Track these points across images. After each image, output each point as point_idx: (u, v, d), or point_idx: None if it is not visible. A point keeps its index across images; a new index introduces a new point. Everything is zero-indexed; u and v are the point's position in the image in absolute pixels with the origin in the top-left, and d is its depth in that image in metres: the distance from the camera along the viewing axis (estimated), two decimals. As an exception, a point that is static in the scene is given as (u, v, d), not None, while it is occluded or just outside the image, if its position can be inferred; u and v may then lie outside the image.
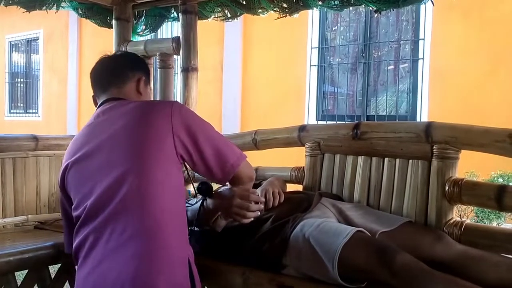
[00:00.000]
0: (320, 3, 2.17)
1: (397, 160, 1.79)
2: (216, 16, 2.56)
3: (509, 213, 3.46)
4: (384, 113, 5.41)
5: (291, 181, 2.11)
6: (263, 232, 1.60)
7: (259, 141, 2.23)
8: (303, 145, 2.07)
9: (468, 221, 1.72)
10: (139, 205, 1.28)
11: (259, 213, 1.50)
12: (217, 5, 2.47)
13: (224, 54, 6.53)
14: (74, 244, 1.36)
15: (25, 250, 1.75)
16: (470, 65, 4.79)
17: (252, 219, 1.50)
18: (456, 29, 4.88)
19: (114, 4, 2.59)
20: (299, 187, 2.07)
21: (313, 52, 5.86)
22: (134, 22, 2.70)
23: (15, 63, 10.03)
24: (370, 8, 2.12)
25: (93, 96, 1.57)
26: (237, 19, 2.58)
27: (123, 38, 2.60)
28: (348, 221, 1.66)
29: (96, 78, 1.56)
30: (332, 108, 5.91)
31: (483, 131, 1.64)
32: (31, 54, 9.70)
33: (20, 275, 2.31)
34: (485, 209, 3.69)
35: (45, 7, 2.46)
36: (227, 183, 1.57)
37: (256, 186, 1.74)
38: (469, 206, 3.60)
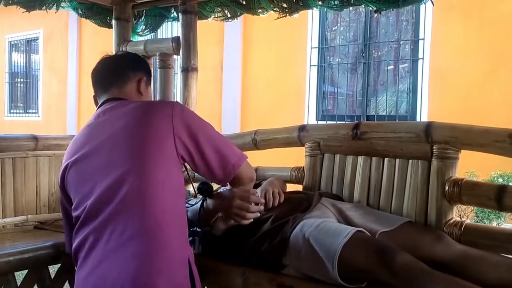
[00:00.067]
0: (320, 3, 2.17)
1: (397, 160, 1.79)
2: (216, 16, 2.56)
3: (509, 213, 3.46)
4: (384, 113, 5.41)
5: (291, 181, 2.11)
6: (263, 232, 1.60)
7: (259, 141, 2.23)
8: (303, 145, 2.07)
9: (468, 221, 1.72)
10: (140, 205, 1.28)
11: (258, 214, 1.51)
12: (217, 5, 2.47)
13: (224, 54, 6.53)
14: (74, 245, 1.36)
15: (25, 250, 1.75)
16: (470, 65, 4.79)
17: (252, 220, 1.49)
18: (456, 29, 4.88)
19: (114, 4, 2.59)
20: (299, 187, 2.07)
21: (313, 52, 5.86)
22: (134, 22, 2.70)
23: (15, 63, 10.03)
24: (370, 8, 2.12)
25: (94, 96, 1.57)
26: (237, 19, 2.58)
27: (123, 38, 2.60)
28: (348, 221, 1.66)
29: (97, 78, 1.56)
30: (332, 108, 5.91)
31: (483, 131, 1.64)
32: (31, 54, 9.70)
33: (20, 275, 2.30)
34: (485, 209, 3.69)
35: (45, 7, 2.46)
36: (227, 184, 1.57)
37: (256, 186, 1.74)
38: (469, 206, 3.60)
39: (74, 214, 1.38)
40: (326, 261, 1.41)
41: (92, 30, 7.50)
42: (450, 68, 4.90)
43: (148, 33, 2.80)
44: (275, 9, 2.33)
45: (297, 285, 1.48)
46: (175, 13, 2.68)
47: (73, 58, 8.60)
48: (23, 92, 9.83)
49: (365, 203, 1.84)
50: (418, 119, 5.04)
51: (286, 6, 2.28)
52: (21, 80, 9.89)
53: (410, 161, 1.75)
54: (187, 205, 1.63)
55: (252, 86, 6.35)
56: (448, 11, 4.81)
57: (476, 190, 1.63)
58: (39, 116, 9.30)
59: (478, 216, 3.83)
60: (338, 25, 5.91)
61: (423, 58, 5.10)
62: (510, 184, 3.32)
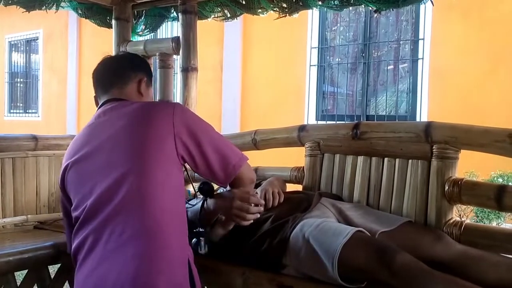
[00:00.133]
0: (320, 3, 2.17)
1: (397, 160, 1.79)
2: (216, 16, 2.56)
3: (509, 213, 3.46)
4: (383, 113, 5.42)
5: (290, 181, 2.11)
6: (263, 232, 1.61)
7: (259, 141, 2.23)
8: (302, 145, 2.07)
9: (467, 221, 1.72)
10: (139, 205, 1.28)
11: (258, 216, 1.50)
12: (216, 5, 2.47)
13: (223, 54, 6.53)
14: (73, 246, 1.36)
15: (25, 250, 1.75)
16: (470, 65, 4.80)
17: (252, 221, 1.49)
18: (456, 29, 4.89)
19: (113, 4, 2.59)
20: (298, 187, 2.07)
21: (312, 52, 5.86)
22: (134, 22, 2.70)
23: (14, 63, 10.02)
24: (370, 8, 2.12)
25: (94, 97, 1.58)
26: (236, 19, 2.58)
27: (122, 38, 2.60)
28: (347, 221, 1.66)
29: (98, 79, 1.57)
30: (332, 108, 5.91)
31: (482, 131, 1.64)
32: (31, 54, 9.70)
33: (20, 275, 2.30)
34: (485, 209, 3.69)
35: (44, 7, 2.46)
36: (227, 186, 1.57)
37: (256, 186, 1.74)
38: (468, 206, 3.60)
39: (74, 214, 1.38)
40: (326, 261, 1.41)
41: (92, 30, 7.50)
42: (450, 68, 4.90)
43: (148, 33, 2.80)
44: (275, 9, 2.33)
45: (297, 285, 1.48)
46: (175, 13, 2.68)
47: (73, 58, 8.60)
48: (23, 92, 9.83)
49: (365, 203, 1.84)
50: (418, 119, 5.04)
51: (286, 6, 2.28)
52: (21, 80, 9.89)
53: (410, 161, 1.75)
54: (188, 205, 1.63)
55: (252, 86, 6.35)
56: (448, 11, 4.82)
57: (476, 190, 1.63)
58: (39, 116, 9.30)
59: (478, 216, 3.83)
60: (338, 25, 5.91)
61: (423, 58, 5.10)
62: (510, 184, 3.32)
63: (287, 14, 2.31)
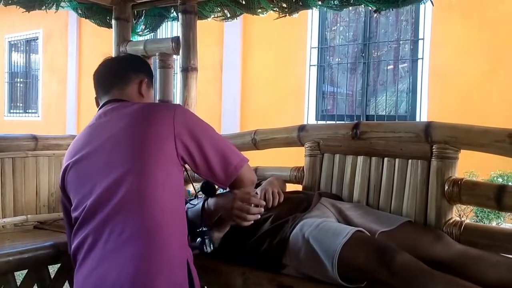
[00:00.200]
0: (320, 3, 2.17)
1: (397, 160, 1.79)
2: (216, 16, 2.56)
3: (509, 213, 3.46)
4: (383, 113, 5.41)
5: (290, 181, 2.11)
6: (263, 232, 1.61)
7: (259, 141, 2.23)
8: (302, 145, 2.07)
9: (467, 221, 1.72)
10: (139, 205, 1.28)
11: (259, 217, 1.50)
12: (216, 5, 2.47)
13: (223, 54, 6.53)
14: (73, 246, 1.36)
15: (25, 250, 1.75)
16: (470, 65, 4.79)
17: (252, 222, 1.49)
18: (456, 29, 4.89)
19: (113, 4, 2.59)
20: (298, 187, 2.08)
21: (312, 52, 5.86)
22: (134, 22, 2.70)
23: (14, 63, 10.02)
24: (370, 8, 2.12)
25: (95, 98, 1.58)
26: (236, 19, 2.58)
27: (122, 38, 2.60)
28: (347, 221, 1.66)
29: (98, 80, 1.57)
30: (332, 108, 5.91)
31: (482, 131, 1.64)
32: (31, 54, 9.70)
33: (19, 275, 2.30)
34: (485, 209, 3.69)
35: (44, 7, 2.46)
36: (228, 187, 1.57)
37: (255, 186, 1.74)
38: (468, 206, 3.60)
39: (74, 215, 1.38)
40: (325, 260, 1.41)
41: (91, 30, 7.50)
42: (449, 68, 4.90)
43: (148, 33, 2.80)
44: (274, 9, 2.33)
45: (297, 285, 1.48)
46: (174, 13, 2.68)
47: (72, 58, 8.59)
48: (23, 92, 9.83)
49: (364, 203, 1.84)
50: (417, 119, 5.04)
51: (285, 6, 2.28)
52: (21, 80, 9.89)
53: (410, 161, 1.75)
54: (189, 205, 1.63)
55: (252, 86, 6.35)
56: (447, 11, 4.82)
57: (475, 190, 1.63)
58: (38, 116, 9.30)
59: (477, 216, 3.83)
60: (338, 25, 5.91)
61: (422, 58, 5.10)
62: (510, 184, 3.32)
63: (287, 14, 2.31)
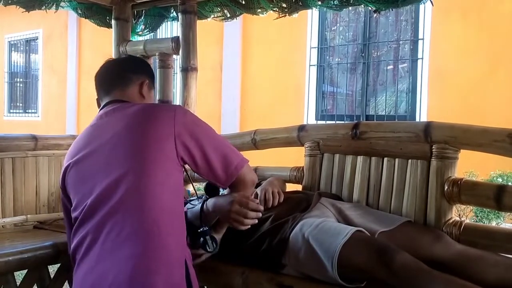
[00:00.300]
0: (320, 3, 2.17)
1: (396, 160, 1.79)
2: (216, 16, 2.56)
3: (508, 213, 3.46)
4: (383, 113, 5.42)
5: (290, 181, 2.11)
6: (263, 232, 1.61)
7: (259, 141, 2.23)
8: (302, 145, 2.07)
9: (467, 221, 1.72)
10: (138, 204, 1.28)
11: (256, 221, 1.49)
12: (216, 5, 2.47)
13: (223, 54, 6.53)
14: (72, 245, 1.36)
15: (24, 250, 1.75)
16: (469, 65, 4.80)
17: (249, 226, 1.49)
18: (455, 29, 4.89)
19: (113, 4, 2.59)
20: (298, 187, 2.08)
21: (312, 52, 5.86)
22: (134, 22, 2.70)
23: (14, 63, 10.02)
24: (369, 8, 2.12)
25: (97, 99, 1.59)
26: (236, 19, 2.58)
27: (122, 38, 2.60)
28: (347, 221, 1.66)
29: (100, 81, 1.58)
30: (332, 108, 5.91)
31: (482, 131, 1.64)
32: (31, 54, 9.70)
33: (19, 275, 2.30)
34: (484, 209, 3.69)
35: (44, 7, 2.46)
36: (228, 188, 1.57)
37: (256, 186, 1.74)
38: (468, 206, 3.60)
39: (73, 214, 1.38)
40: (325, 260, 1.41)
41: (91, 30, 7.50)
42: (449, 68, 4.91)
43: (148, 33, 2.80)
44: (274, 9, 2.33)
45: (297, 284, 1.48)
46: (174, 13, 2.68)
47: (72, 58, 8.59)
48: (23, 92, 9.83)
49: (364, 203, 1.84)
50: (417, 119, 5.04)
51: (285, 6, 2.28)
52: (21, 80, 9.89)
53: (410, 160, 1.75)
54: (189, 205, 1.63)
55: (252, 86, 6.35)
56: (447, 11, 4.82)
57: (475, 190, 1.63)
58: (38, 116, 9.30)
59: (477, 216, 3.83)
60: (338, 25, 5.91)
61: (422, 58, 5.10)
62: (510, 183, 3.32)
63: (287, 14, 2.31)
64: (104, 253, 1.27)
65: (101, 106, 1.53)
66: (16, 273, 1.98)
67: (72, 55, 8.59)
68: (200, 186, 2.91)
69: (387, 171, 1.81)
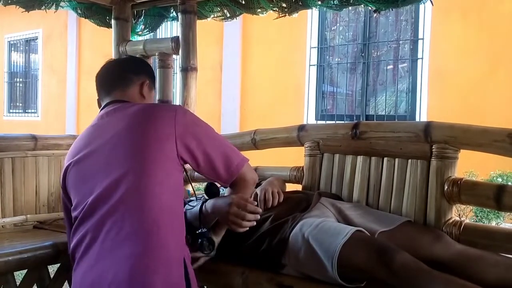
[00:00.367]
0: (319, 2, 2.17)
1: (396, 159, 1.79)
2: (215, 15, 2.56)
3: (508, 213, 3.46)
4: (383, 113, 5.42)
5: (290, 181, 2.11)
6: (263, 231, 1.61)
7: (259, 140, 2.23)
8: (302, 144, 2.07)
9: (467, 221, 1.72)
10: (138, 203, 1.28)
11: (254, 223, 1.49)
12: (216, 5, 2.47)
13: (223, 53, 6.53)
14: (72, 244, 1.36)
15: (24, 250, 1.75)
16: (469, 65, 4.80)
17: (247, 228, 1.48)
18: (455, 29, 4.89)
19: (113, 4, 2.59)
20: (298, 187, 2.07)
21: (312, 51, 5.86)
22: (133, 21, 2.70)
23: (14, 62, 10.02)
24: (369, 8, 2.12)
25: (98, 100, 1.60)
26: (236, 18, 2.58)
27: (122, 38, 2.60)
28: (347, 221, 1.66)
29: (100, 82, 1.59)
30: (331, 108, 5.91)
31: (482, 131, 1.64)
32: (30, 54, 9.70)
33: (19, 275, 2.30)
34: (484, 209, 3.69)
35: (44, 6, 2.46)
36: (229, 187, 1.57)
37: (256, 186, 1.74)
38: (468, 206, 3.60)
39: (73, 214, 1.39)
40: (325, 260, 1.41)
41: (91, 30, 7.50)
42: (449, 68, 4.91)
43: (148, 32, 2.80)
44: (274, 9, 2.33)
45: (297, 284, 1.48)
46: (174, 13, 2.68)
47: (72, 58, 8.59)
48: (22, 92, 9.83)
49: (364, 203, 1.84)
50: (417, 119, 5.04)
51: (285, 5, 2.28)
52: (20, 80, 9.88)
53: (410, 160, 1.75)
54: (189, 206, 1.63)
55: (252, 86, 6.35)
56: (447, 11, 4.82)
57: (475, 190, 1.63)
58: (38, 116, 9.29)
59: (477, 216, 3.83)
60: (338, 24, 5.91)
61: (422, 58, 5.10)
62: (509, 183, 3.32)
63: (287, 14, 2.31)
64: (103, 252, 1.27)
65: (102, 106, 1.54)
66: (16, 273, 1.98)
67: (72, 55, 8.58)
68: (200, 186, 2.91)
69: (387, 171, 1.81)
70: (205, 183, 1.63)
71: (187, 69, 2.41)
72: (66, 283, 2.07)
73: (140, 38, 2.74)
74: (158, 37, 5.04)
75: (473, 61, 4.77)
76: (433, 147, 1.70)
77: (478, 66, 4.74)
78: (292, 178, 2.10)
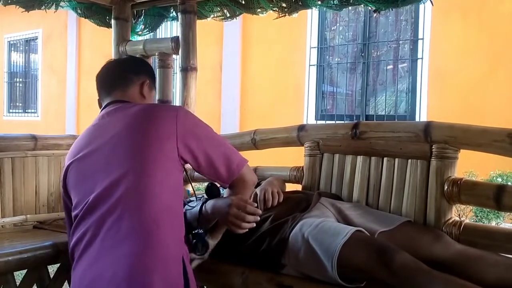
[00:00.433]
0: (319, 2, 2.17)
1: (396, 159, 1.79)
2: (215, 15, 2.56)
3: (508, 213, 3.46)
4: (383, 113, 5.41)
5: (290, 181, 2.11)
6: (262, 231, 1.61)
7: (258, 140, 2.23)
8: (302, 144, 2.07)
9: (467, 221, 1.72)
10: (138, 202, 1.29)
11: (254, 225, 1.49)
12: (216, 5, 2.47)
13: (223, 53, 6.53)
14: (71, 242, 1.37)
15: (24, 250, 1.75)
16: (469, 65, 4.80)
17: (247, 230, 1.48)
18: (455, 29, 4.89)
19: (113, 4, 2.59)
20: (298, 187, 2.08)
21: (312, 51, 5.86)
22: (133, 21, 2.70)
23: (14, 62, 10.01)
24: (369, 8, 2.12)
25: (98, 100, 1.60)
26: (236, 18, 2.58)
27: (122, 38, 2.60)
28: (347, 221, 1.66)
29: (101, 82, 1.59)
30: (331, 108, 5.91)
31: (481, 131, 1.64)
32: (30, 54, 9.69)
33: (19, 275, 2.30)
34: (484, 209, 3.69)
35: (44, 6, 2.46)
36: (229, 188, 1.57)
37: (255, 186, 1.74)
38: (468, 206, 3.60)
39: (74, 213, 1.39)
40: (325, 260, 1.41)
41: (91, 30, 7.49)
42: (449, 68, 4.90)
43: (147, 32, 2.80)
44: (274, 9, 2.33)
45: (296, 284, 1.49)
46: (174, 13, 2.68)
47: (72, 58, 8.58)
48: (22, 92, 9.82)
49: (364, 203, 1.84)
50: (417, 119, 5.04)
51: (285, 5, 2.28)
52: (20, 80, 9.88)
53: (409, 160, 1.75)
54: (189, 206, 1.63)
55: (251, 85, 6.34)
56: (447, 11, 4.82)
57: (475, 190, 1.63)
58: (38, 116, 9.29)
59: (477, 216, 3.83)
60: (337, 24, 5.91)
61: (422, 58, 5.10)
62: (509, 183, 3.32)
63: (287, 14, 2.31)
64: (103, 250, 1.27)
65: (103, 106, 1.55)
66: (15, 273, 1.98)
67: (72, 55, 8.58)
68: (200, 186, 2.91)
69: (387, 171, 1.81)
70: (205, 183, 1.64)
71: (187, 69, 2.41)
72: (66, 283, 2.07)
73: (140, 38, 2.74)
74: (158, 37, 5.04)
75: (473, 61, 4.77)
76: (433, 147, 1.70)
77: (478, 66, 4.74)
78: (292, 178, 2.10)
